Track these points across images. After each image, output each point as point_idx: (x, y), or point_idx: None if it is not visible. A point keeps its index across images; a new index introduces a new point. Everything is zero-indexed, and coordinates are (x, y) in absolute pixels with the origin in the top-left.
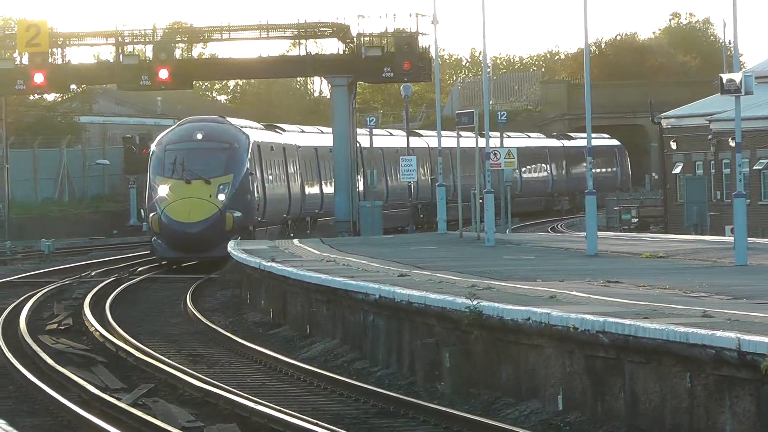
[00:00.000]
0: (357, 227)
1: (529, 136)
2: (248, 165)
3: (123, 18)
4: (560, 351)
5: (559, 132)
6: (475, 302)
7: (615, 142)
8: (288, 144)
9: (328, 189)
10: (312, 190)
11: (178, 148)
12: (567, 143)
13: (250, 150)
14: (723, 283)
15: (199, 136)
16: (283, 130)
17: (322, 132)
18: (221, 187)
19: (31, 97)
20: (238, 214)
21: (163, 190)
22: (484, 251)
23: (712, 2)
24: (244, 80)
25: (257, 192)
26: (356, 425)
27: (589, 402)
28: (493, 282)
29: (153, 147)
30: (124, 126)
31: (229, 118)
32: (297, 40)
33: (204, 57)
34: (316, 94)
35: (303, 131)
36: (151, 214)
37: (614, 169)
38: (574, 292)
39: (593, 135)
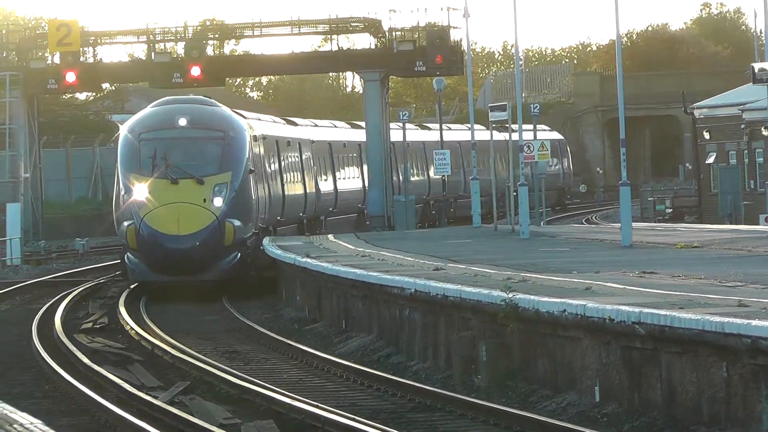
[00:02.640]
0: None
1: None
2: (249, 159)
3: (154, 16)
4: (596, 342)
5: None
6: (510, 295)
7: (556, 135)
8: (302, 138)
9: (343, 186)
10: (326, 187)
11: (156, 138)
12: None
13: (249, 140)
14: (758, 272)
15: (183, 122)
16: (296, 124)
17: (335, 126)
18: (217, 188)
19: (64, 97)
20: (238, 223)
21: (140, 193)
22: (519, 244)
23: None
24: (277, 76)
25: (269, 192)
26: (394, 420)
27: (626, 393)
28: (528, 274)
29: (122, 134)
30: None
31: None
32: (329, 36)
33: (236, 54)
34: (349, 89)
35: (316, 125)
36: (125, 224)
37: (557, 166)
38: (609, 284)
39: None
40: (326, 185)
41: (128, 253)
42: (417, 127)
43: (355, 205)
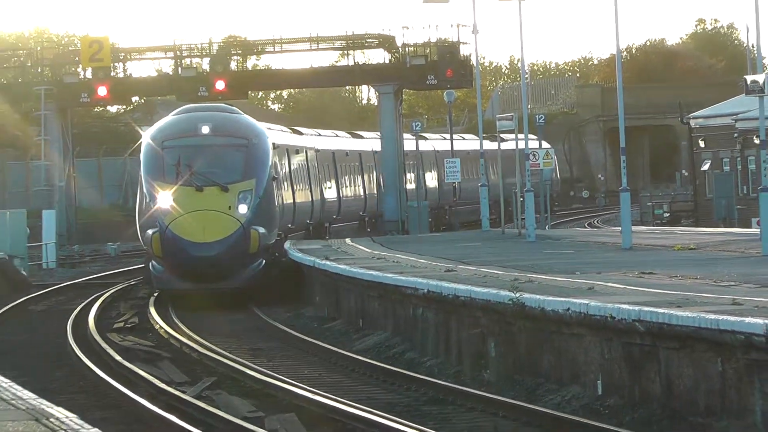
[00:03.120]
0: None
1: (464, 138)
2: (271, 167)
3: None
4: (599, 339)
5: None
6: (517, 295)
7: (546, 144)
8: (308, 147)
9: (346, 194)
10: (330, 195)
11: (180, 145)
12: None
13: (271, 148)
14: (751, 273)
15: (206, 130)
16: (301, 133)
17: (338, 136)
18: (242, 196)
19: (95, 109)
20: (262, 230)
21: (165, 200)
22: (526, 247)
23: (736, 8)
24: (296, 90)
25: (282, 200)
26: (408, 412)
27: (627, 386)
28: (534, 275)
29: (145, 142)
30: None
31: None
32: (345, 51)
33: (258, 68)
34: (364, 101)
35: (320, 134)
36: (149, 231)
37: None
38: (610, 284)
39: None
40: (330, 193)
41: (153, 261)
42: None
43: (357, 212)
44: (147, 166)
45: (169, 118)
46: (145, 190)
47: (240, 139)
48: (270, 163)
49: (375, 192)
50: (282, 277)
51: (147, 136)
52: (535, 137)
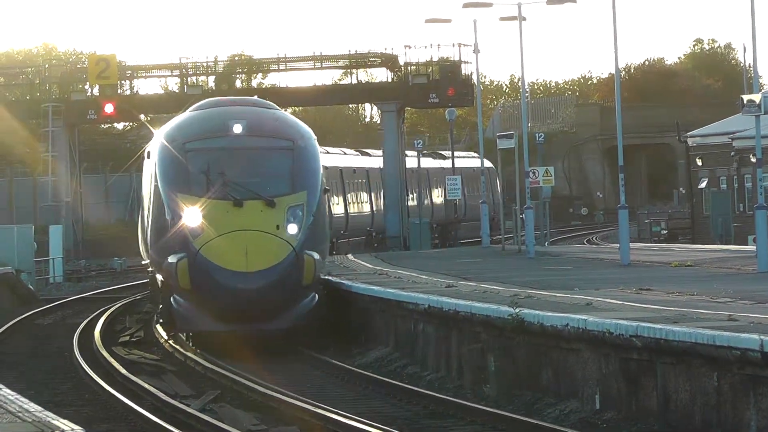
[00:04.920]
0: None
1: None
2: (323, 175)
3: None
4: (597, 354)
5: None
6: (517, 310)
7: (488, 163)
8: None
9: (353, 210)
10: (338, 210)
11: (207, 148)
12: (444, 163)
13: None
14: (747, 289)
15: (239, 129)
16: None
17: (345, 153)
18: (291, 212)
19: (102, 126)
20: (317, 256)
21: (192, 218)
22: (525, 263)
23: (733, 29)
24: (300, 107)
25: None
26: (409, 426)
27: (624, 401)
28: (533, 291)
29: (159, 144)
30: None
31: None
32: (349, 70)
33: (263, 86)
34: (367, 119)
35: (328, 152)
36: (172, 258)
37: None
38: (608, 300)
39: (462, 154)
40: (338, 209)
41: (176, 296)
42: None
43: (364, 228)
44: (165, 175)
45: (190, 114)
46: (164, 205)
47: (284, 141)
48: (321, 170)
49: (382, 208)
50: None
51: (162, 136)
52: (476, 155)
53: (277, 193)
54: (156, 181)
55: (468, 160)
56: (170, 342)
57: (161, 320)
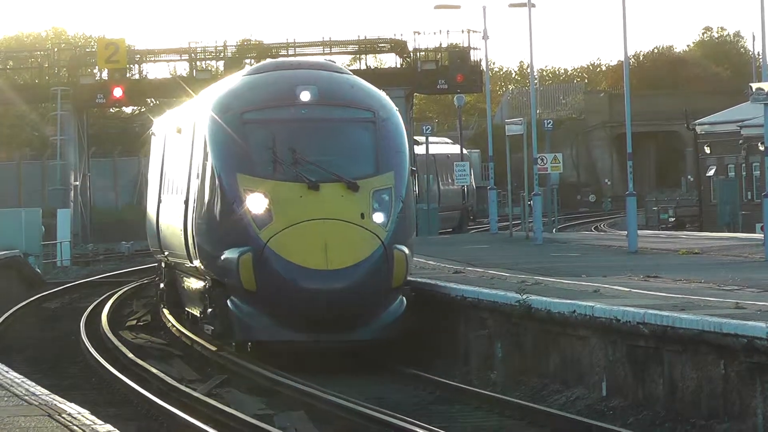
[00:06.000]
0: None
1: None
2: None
3: (196, 35)
4: (604, 341)
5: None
6: (524, 296)
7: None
8: None
9: None
10: None
11: (271, 119)
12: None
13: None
14: (754, 277)
15: (307, 96)
16: None
17: None
18: (378, 197)
19: (111, 110)
20: (407, 251)
21: (257, 204)
22: (533, 249)
23: (742, 17)
24: None
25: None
26: (416, 411)
27: (631, 388)
28: (541, 278)
29: (207, 116)
30: None
31: None
32: (358, 55)
33: None
34: None
35: None
36: (229, 253)
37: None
38: (616, 287)
39: (436, 140)
40: None
41: (234, 299)
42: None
43: None
44: (219, 151)
45: (245, 79)
46: (218, 188)
47: (363, 111)
48: (407, 147)
49: None
50: None
51: (210, 105)
52: (450, 141)
53: (359, 175)
54: (206, 159)
55: (444, 146)
56: (177, 327)
57: (212, 327)
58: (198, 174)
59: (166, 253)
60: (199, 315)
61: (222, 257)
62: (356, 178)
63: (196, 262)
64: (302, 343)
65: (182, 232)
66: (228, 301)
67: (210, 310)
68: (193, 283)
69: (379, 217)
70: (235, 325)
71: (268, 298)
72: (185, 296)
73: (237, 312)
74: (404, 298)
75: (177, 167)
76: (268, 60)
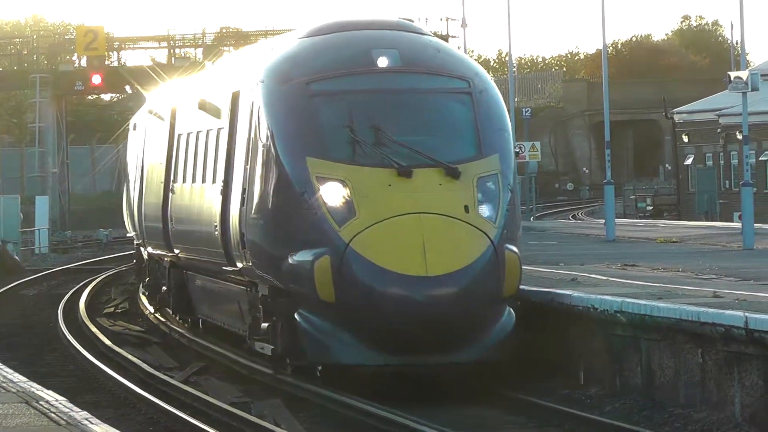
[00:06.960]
0: None
1: None
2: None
3: (174, 23)
4: (581, 330)
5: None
6: None
7: None
8: None
9: None
10: None
11: (345, 90)
12: None
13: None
14: (732, 266)
15: (385, 62)
16: None
17: None
18: (483, 185)
19: (90, 97)
20: (516, 250)
21: (333, 195)
22: None
23: (721, 5)
24: None
25: None
26: (393, 401)
27: (609, 377)
28: None
29: (259, 87)
30: None
31: None
32: None
33: None
34: None
35: None
36: (301, 256)
37: None
38: (593, 275)
39: None
40: None
41: (304, 312)
42: None
43: None
44: (281, 130)
45: (303, 41)
46: (280, 174)
47: (457, 80)
48: (510, 124)
49: None
50: None
51: (263, 73)
52: None
53: (459, 158)
54: (259, 140)
55: None
56: (155, 315)
57: (271, 347)
58: (246, 158)
59: (177, 251)
60: (246, 330)
61: (289, 260)
62: (455, 162)
63: (241, 265)
64: (391, 367)
65: (215, 228)
66: (296, 315)
67: (267, 324)
68: (227, 289)
69: (485, 211)
70: (306, 344)
71: (349, 311)
72: (205, 303)
73: (309, 328)
74: (512, 310)
75: (199, 150)
76: (330, 21)
